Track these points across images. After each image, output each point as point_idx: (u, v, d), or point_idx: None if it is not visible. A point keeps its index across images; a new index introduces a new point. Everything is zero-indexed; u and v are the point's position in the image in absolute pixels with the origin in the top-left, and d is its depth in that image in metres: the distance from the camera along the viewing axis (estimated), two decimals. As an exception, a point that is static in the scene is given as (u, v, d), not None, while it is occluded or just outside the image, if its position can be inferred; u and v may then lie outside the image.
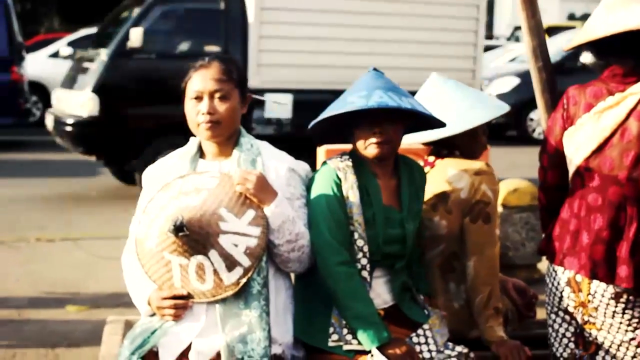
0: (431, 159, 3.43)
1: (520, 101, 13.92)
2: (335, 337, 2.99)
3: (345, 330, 2.99)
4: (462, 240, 3.31)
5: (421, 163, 3.40)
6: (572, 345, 3.13)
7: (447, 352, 3.03)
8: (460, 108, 3.34)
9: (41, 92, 17.04)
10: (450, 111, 3.31)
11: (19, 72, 13.58)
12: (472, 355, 3.05)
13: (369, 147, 3.07)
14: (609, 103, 3.00)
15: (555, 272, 3.14)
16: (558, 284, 3.12)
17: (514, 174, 8.06)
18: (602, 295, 3.01)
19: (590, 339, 3.09)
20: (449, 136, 3.33)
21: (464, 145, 3.39)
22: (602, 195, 3.01)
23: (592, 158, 3.02)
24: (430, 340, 3.03)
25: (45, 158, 12.65)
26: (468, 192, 3.26)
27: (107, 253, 6.77)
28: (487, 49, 21.23)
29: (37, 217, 8.55)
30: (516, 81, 15.05)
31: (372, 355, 2.90)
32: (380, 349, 2.90)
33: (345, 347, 2.97)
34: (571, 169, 3.10)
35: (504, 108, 3.42)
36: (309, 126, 3.15)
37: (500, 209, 6.10)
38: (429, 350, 3.00)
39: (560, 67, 12.04)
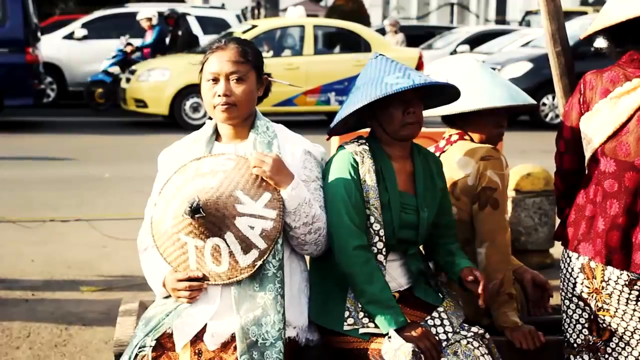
0: (442, 143, 3.43)
1: (532, 86, 13.82)
2: (350, 320, 3.00)
3: (361, 314, 2.99)
4: (473, 227, 3.30)
5: (431, 149, 3.40)
6: (586, 331, 3.13)
7: (463, 332, 3.03)
8: (484, 85, 3.32)
9: (56, 73, 17.11)
10: (473, 88, 3.29)
11: (34, 54, 13.60)
12: (487, 336, 3.06)
13: (404, 128, 3.06)
14: (625, 88, 2.98)
15: (570, 257, 3.13)
16: (572, 269, 3.12)
17: (526, 158, 8.05)
18: (616, 282, 3.00)
19: (604, 325, 3.09)
20: (460, 120, 3.34)
21: (474, 131, 3.38)
22: (618, 181, 2.99)
23: (608, 143, 3.00)
24: (445, 322, 3.04)
25: (59, 139, 12.67)
26: (474, 179, 3.25)
27: (121, 234, 6.79)
28: (500, 33, 21.16)
29: (51, 198, 8.57)
30: (529, 66, 14.95)
31: (389, 337, 2.91)
32: (397, 332, 2.91)
33: (362, 331, 2.98)
34: (587, 154, 3.09)
35: (528, 99, 3.40)
36: (339, 116, 3.10)
37: (513, 193, 6.09)
38: (445, 332, 3.01)
39: (573, 51, 11.82)
